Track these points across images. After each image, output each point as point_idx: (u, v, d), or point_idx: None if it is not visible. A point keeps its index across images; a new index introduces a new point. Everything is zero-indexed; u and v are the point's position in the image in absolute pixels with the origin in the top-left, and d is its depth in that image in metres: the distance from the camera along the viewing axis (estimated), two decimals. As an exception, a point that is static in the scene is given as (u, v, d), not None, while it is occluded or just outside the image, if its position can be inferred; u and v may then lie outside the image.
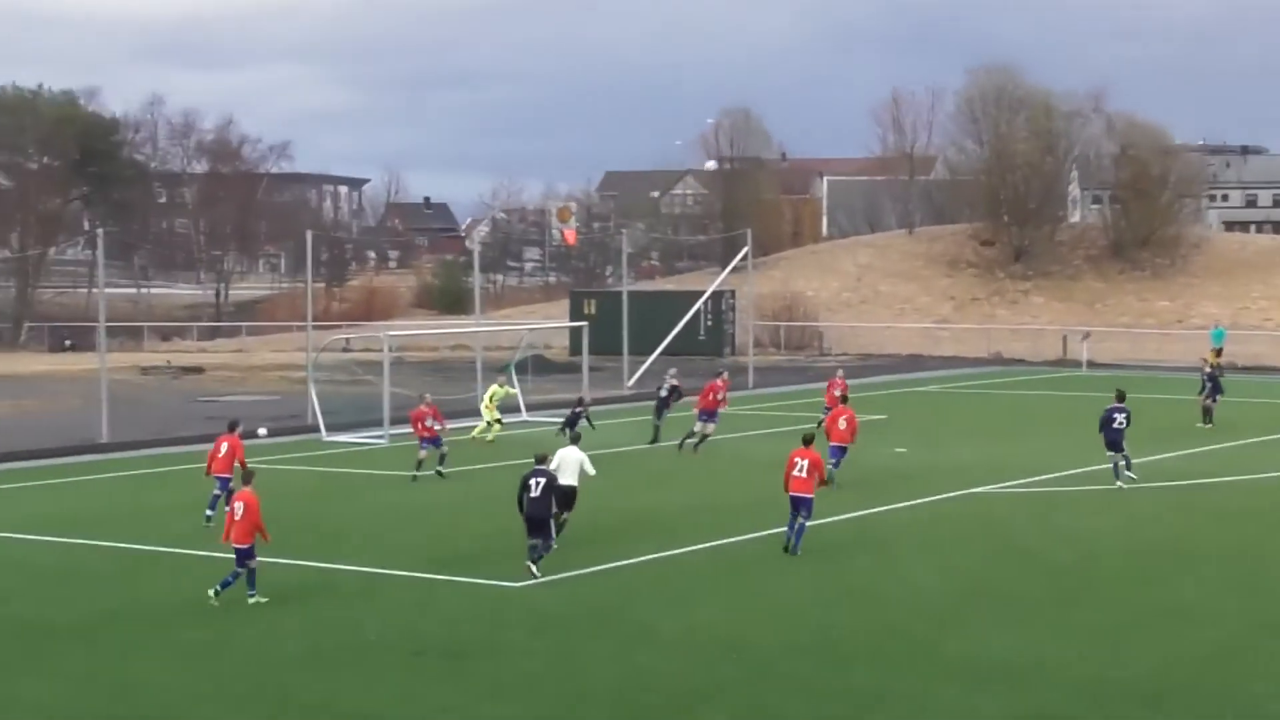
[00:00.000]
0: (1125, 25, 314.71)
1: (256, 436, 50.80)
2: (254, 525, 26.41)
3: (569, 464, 31.08)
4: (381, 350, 56.09)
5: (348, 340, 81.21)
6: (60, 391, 68.09)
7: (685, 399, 49.97)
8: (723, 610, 25.71)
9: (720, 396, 46.86)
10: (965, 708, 20.22)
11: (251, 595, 26.26)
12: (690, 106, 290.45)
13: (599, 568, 29.15)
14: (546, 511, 28.09)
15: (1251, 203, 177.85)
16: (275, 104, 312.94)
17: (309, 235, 62.22)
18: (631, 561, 29.65)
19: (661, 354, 73.24)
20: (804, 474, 29.82)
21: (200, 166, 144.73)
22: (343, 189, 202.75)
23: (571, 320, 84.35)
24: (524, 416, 55.84)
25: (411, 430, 42.36)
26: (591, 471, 31.66)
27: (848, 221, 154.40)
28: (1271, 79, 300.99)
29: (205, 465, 34.30)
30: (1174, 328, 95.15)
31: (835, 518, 34.06)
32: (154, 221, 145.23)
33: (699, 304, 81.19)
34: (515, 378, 58.13)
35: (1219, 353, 75.11)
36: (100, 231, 61.84)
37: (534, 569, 27.88)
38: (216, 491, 33.90)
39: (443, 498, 38.17)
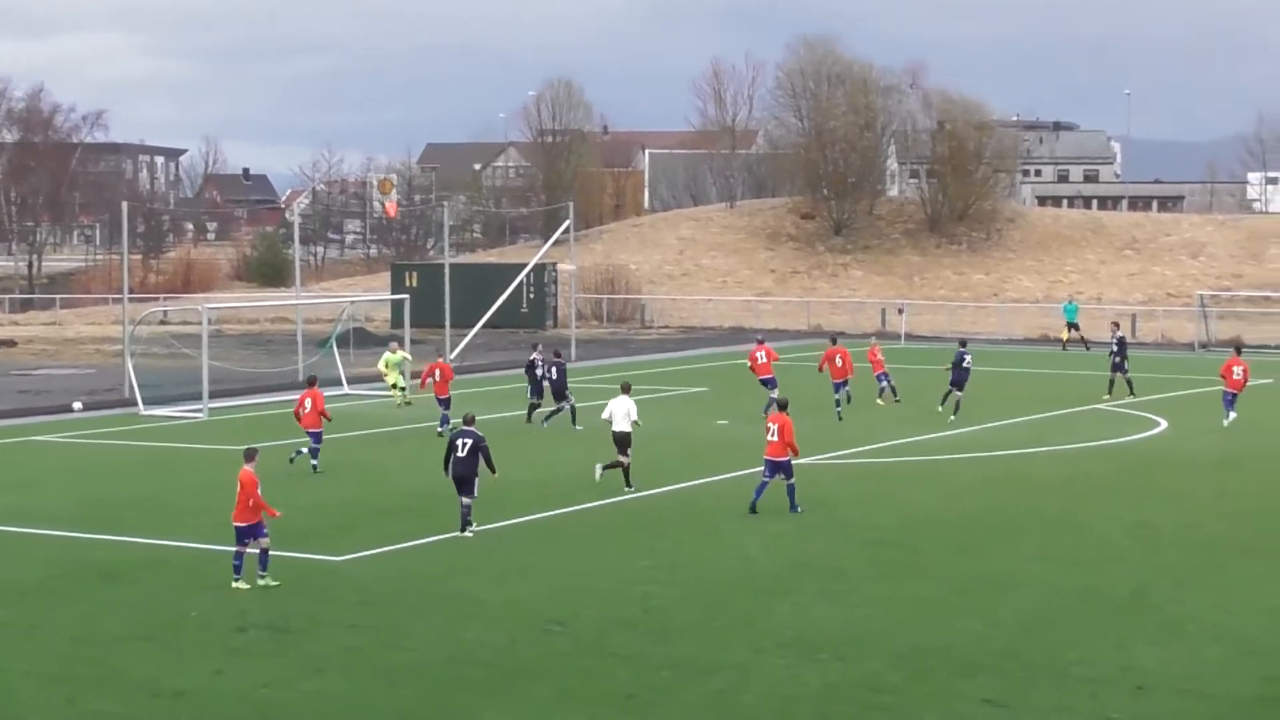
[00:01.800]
0: (943, 2, 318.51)
1: (72, 410, 50.12)
2: (248, 503, 25.48)
3: (619, 412, 34.02)
4: (200, 323, 55.40)
5: (165, 313, 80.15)
6: None
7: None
8: (547, 584, 25.72)
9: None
10: (790, 678, 20.42)
11: (262, 577, 25.31)
12: (512, 79, 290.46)
13: (423, 540, 29.06)
14: (473, 471, 29.11)
15: (1063, 178, 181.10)
16: (90, 72, 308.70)
17: (124, 206, 61.26)
18: (455, 535, 29.54)
19: (484, 327, 73.08)
20: (775, 438, 31.17)
21: (10, 135, 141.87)
22: (159, 159, 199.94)
23: (393, 293, 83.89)
24: (345, 390, 55.42)
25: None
26: (637, 419, 34.24)
27: (670, 195, 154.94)
28: (1082, 56, 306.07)
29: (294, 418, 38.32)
30: (990, 301, 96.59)
31: (659, 489, 34.23)
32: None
33: (521, 277, 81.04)
34: (336, 350, 57.75)
35: (1074, 327, 76.57)
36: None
37: (468, 531, 29.20)
38: (314, 446, 37.55)
39: (263, 472, 37.71)
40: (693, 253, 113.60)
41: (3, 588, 25.59)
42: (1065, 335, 76.91)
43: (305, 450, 37.97)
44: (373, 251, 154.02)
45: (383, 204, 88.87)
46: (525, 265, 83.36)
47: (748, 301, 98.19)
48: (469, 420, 30.34)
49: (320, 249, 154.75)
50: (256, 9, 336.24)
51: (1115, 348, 52.08)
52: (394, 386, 49.01)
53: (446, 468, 29.67)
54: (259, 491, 25.50)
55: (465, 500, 29.38)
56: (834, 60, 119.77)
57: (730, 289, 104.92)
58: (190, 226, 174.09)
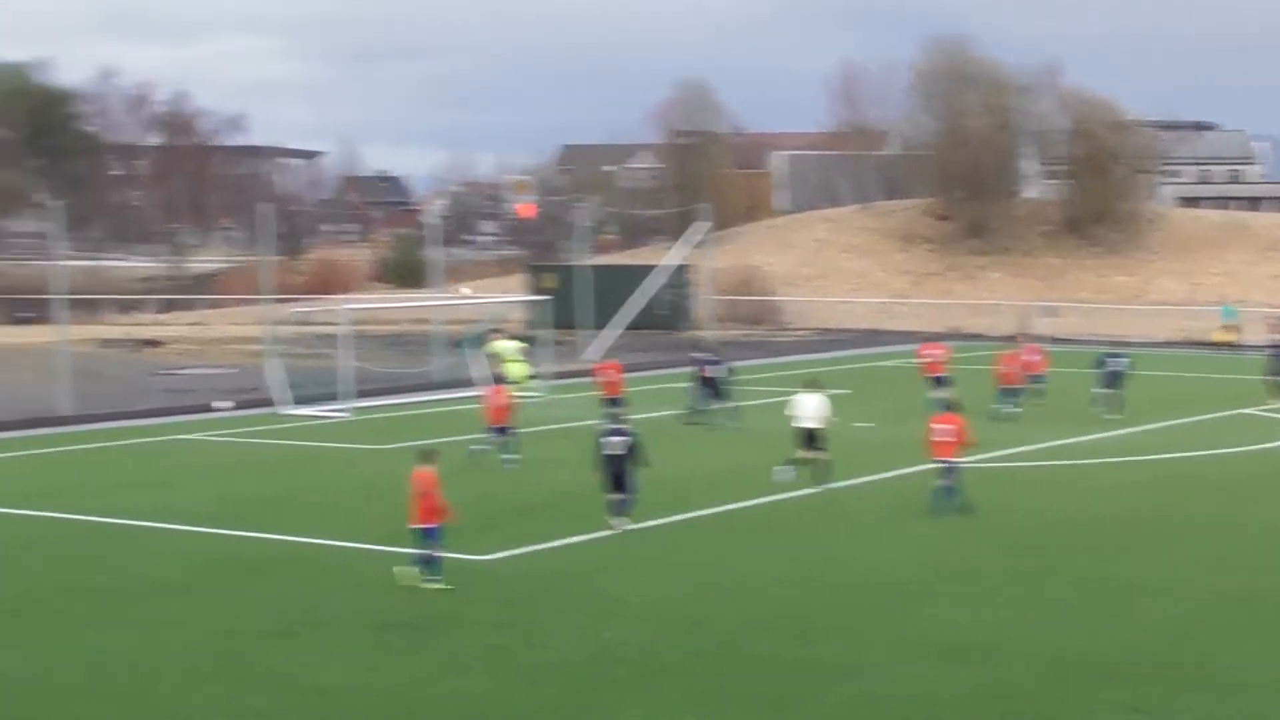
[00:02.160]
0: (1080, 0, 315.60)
1: (216, 410, 50.74)
2: (429, 505, 25.31)
3: (809, 408, 34.71)
4: (340, 323, 55.88)
5: (306, 313, 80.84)
6: (18, 364, 67.68)
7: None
8: (688, 584, 25.71)
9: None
10: (930, 682, 20.27)
11: (432, 580, 25.20)
12: (645, 80, 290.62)
13: (565, 541, 29.13)
14: (626, 468, 29.60)
15: (1205, 179, 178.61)
16: (229, 77, 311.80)
17: (264, 209, 61.92)
18: (597, 535, 29.62)
19: (620, 328, 73.27)
20: (946, 439, 31.44)
21: (154, 139, 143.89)
22: (298, 162, 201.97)
23: (528, 294, 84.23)
24: (476, 390, 55.61)
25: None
26: (830, 415, 34.85)
27: (803, 196, 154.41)
28: (1224, 55, 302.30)
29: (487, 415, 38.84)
30: (1132, 303, 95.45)
31: (800, 493, 34.13)
32: (108, 194, 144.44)
33: (659, 279, 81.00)
34: (470, 352, 58.08)
35: (1231, 329, 75.71)
36: (54, 204, 61.54)
37: (614, 523, 29.62)
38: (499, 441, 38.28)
39: (405, 471, 37.95)
40: (827, 254, 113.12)
41: (149, 584, 25.93)
42: (1226, 337, 76.04)
43: (488, 447, 38.65)
44: (508, 253, 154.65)
45: (518, 205, 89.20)
46: (661, 267, 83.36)
47: (883, 304, 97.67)
48: (620, 419, 31.01)
49: (456, 250, 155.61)
50: (391, 11, 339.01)
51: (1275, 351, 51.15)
52: (525, 379, 49.60)
53: (596, 465, 30.09)
54: (438, 492, 25.48)
55: (620, 496, 29.75)
56: (967, 60, 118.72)
57: (865, 291, 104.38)
58: (329, 228, 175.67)
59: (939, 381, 47.74)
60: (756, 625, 23.00)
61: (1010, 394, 46.48)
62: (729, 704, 19.44)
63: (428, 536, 25.20)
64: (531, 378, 50.35)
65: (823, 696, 19.70)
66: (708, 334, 74.39)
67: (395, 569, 25.45)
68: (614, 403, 43.51)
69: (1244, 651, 21.61)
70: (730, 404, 45.66)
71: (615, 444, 29.80)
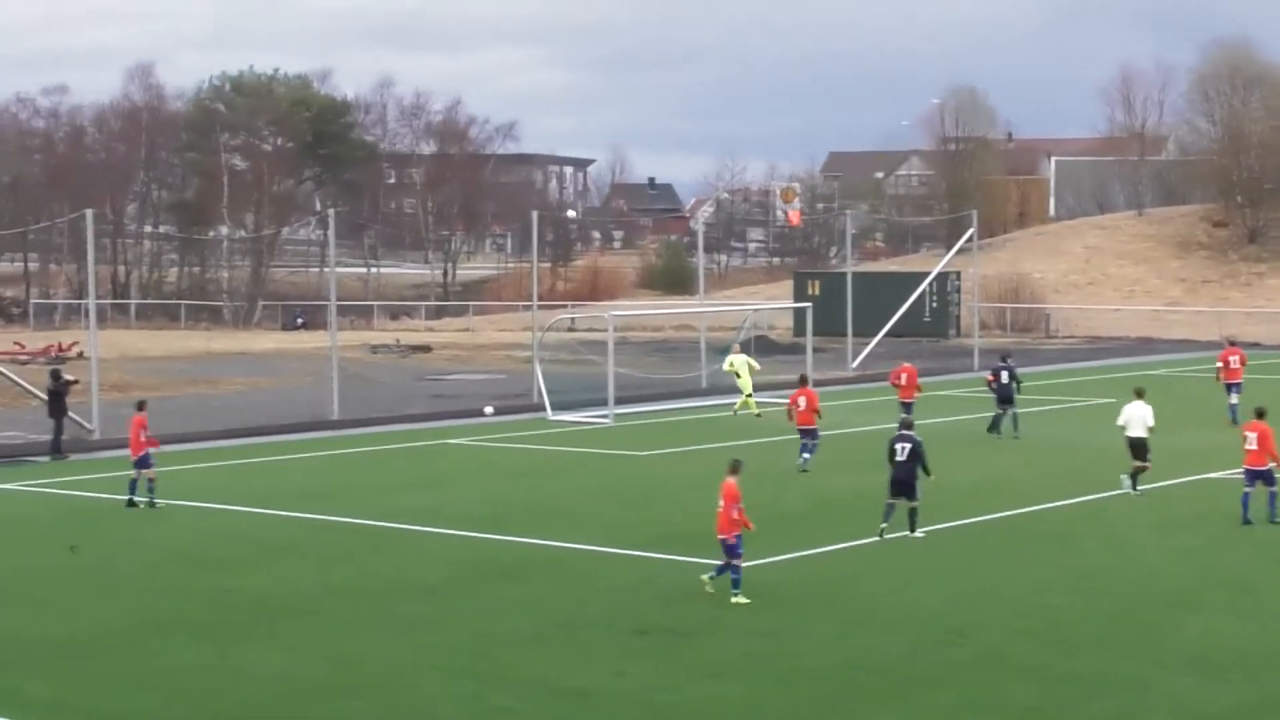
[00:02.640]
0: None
1: (483, 415, 51.43)
2: (731, 516, 24.57)
3: (1135, 417, 34.63)
4: (606, 330, 56.31)
5: (572, 320, 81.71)
6: (292, 369, 69.38)
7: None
8: (947, 593, 25.39)
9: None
10: (1196, 696, 19.74)
11: (734, 594, 24.49)
12: (915, 86, 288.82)
13: (825, 548, 28.98)
14: (911, 475, 29.55)
15: None
16: (500, 86, 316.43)
17: (535, 216, 62.66)
18: (857, 542, 29.42)
19: (886, 335, 72.82)
20: (1254, 446, 30.91)
21: (428, 148, 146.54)
22: (568, 169, 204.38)
23: (795, 301, 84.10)
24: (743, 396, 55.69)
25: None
26: (1153, 424, 34.66)
27: (1075, 202, 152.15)
28: None
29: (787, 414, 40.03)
30: None
31: (1065, 501, 33.61)
32: (383, 202, 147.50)
33: (924, 285, 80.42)
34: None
35: None
36: (331, 212, 62.94)
37: (918, 533, 29.59)
38: (804, 441, 38.89)
39: (665, 477, 38.21)
40: (1099, 261, 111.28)
41: (411, 584, 26.30)
42: None
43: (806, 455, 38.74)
44: (775, 260, 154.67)
45: (785, 212, 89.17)
46: (927, 274, 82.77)
47: (1156, 311, 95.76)
48: (906, 425, 30.70)
49: (723, 257, 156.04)
50: (657, 18, 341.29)
51: None
52: (746, 396, 50.13)
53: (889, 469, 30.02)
54: (739, 504, 24.65)
55: (908, 502, 29.63)
56: (1249, 63, 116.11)
57: (1138, 298, 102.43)
58: (597, 235, 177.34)
59: (1230, 389, 46.89)
60: (1016, 635, 22.61)
61: None
62: (987, 714, 19.11)
63: (726, 549, 24.60)
64: (749, 396, 50.89)
65: (1081, 709, 19.27)
66: (972, 341, 73.53)
67: (702, 577, 25.23)
68: (907, 407, 43.06)
69: None
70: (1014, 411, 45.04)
71: (900, 450, 29.71)
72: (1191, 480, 36.68)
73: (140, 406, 34.73)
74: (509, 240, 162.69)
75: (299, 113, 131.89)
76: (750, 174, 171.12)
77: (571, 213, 49.71)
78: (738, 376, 51.46)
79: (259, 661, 21.68)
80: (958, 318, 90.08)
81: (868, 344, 70.10)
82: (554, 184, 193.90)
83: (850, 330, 67.85)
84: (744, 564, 26.22)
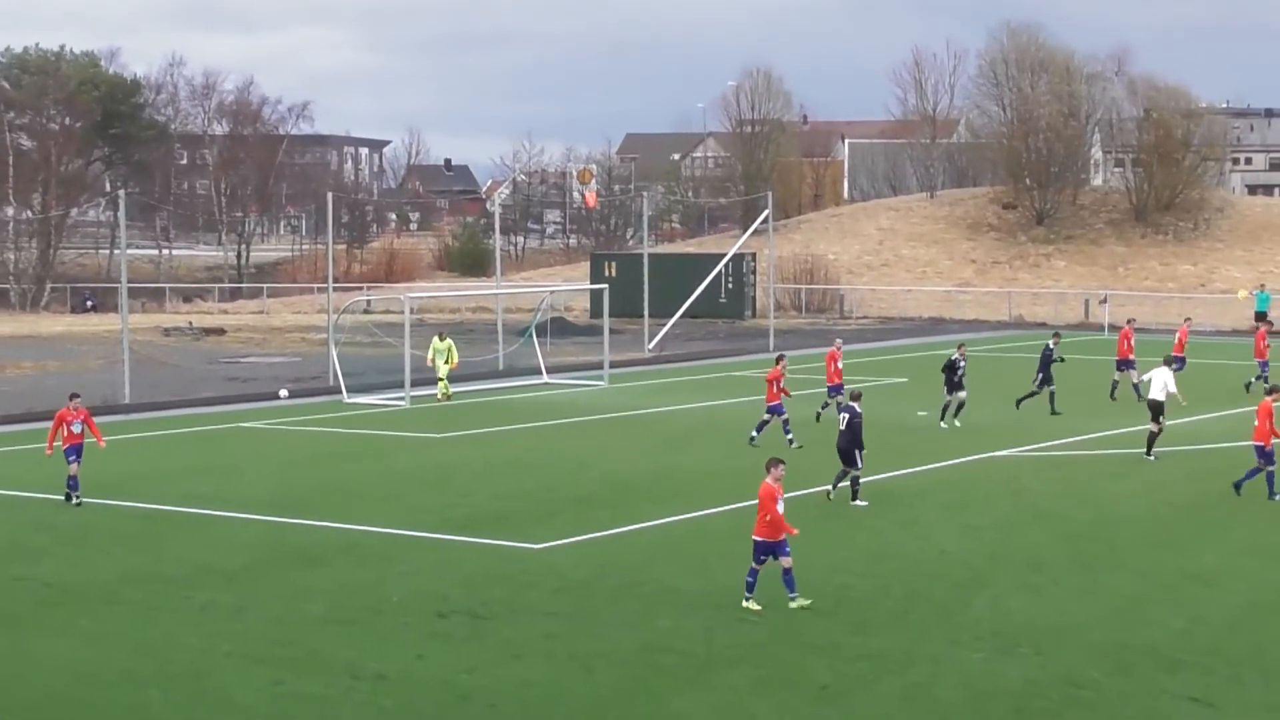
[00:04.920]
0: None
1: (278, 398, 50.99)
2: (765, 519, 23.28)
3: (1157, 382, 36.79)
4: (402, 312, 56.09)
5: (368, 302, 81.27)
6: (82, 352, 68.21)
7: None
8: (743, 573, 25.61)
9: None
10: (988, 671, 20.19)
11: (792, 599, 23.17)
12: (711, 69, 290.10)
13: (622, 529, 29.16)
14: (850, 444, 31.03)
15: (1275, 166, 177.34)
16: (295, 66, 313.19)
17: (330, 197, 62.21)
18: (654, 523, 29.65)
19: (682, 317, 73.32)
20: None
21: (221, 128, 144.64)
22: (363, 151, 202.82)
23: (592, 283, 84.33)
24: (545, 379, 55.88)
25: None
26: (1173, 390, 36.97)
27: (869, 184, 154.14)
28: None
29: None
30: (1197, 292, 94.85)
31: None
32: (175, 183, 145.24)
33: (719, 267, 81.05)
34: (536, 340, 58.25)
35: (1262, 317, 74.85)
36: (122, 193, 61.95)
37: (859, 501, 31.10)
38: (765, 417, 39.18)
39: (464, 460, 38.19)
40: (892, 243, 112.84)
41: (208, 570, 26.06)
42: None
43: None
44: (572, 241, 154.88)
45: (582, 194, 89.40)
46: (723, 255, 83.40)
47: (948, 292, 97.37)
48: (855, 396, 32.51)
49: (520, 239, 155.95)
50: (457, 3, 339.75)
51: None
52: (440, 380, 49.90)
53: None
54: (778, 507, 23.30)
55: (850, 471, 31.08)
56: (1037, 47, 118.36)
57: (930, 279, 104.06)
58: (393, 217, 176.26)
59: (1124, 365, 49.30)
60: (811, 614, 22.93)
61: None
62: (783, 693, 19.40)
63: (768, 551, 23.29)
64: (441, 380, 50.65)
65: (875, 687, 19.64)
66: (768, 322, 74.21)
67: (794, 604, 23.33)
68: (835, 390, 42.90)
69: (1302, 642, 21.49)
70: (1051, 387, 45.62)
71: (840, 421, 31.46)
72: (981, 459, 37.39)
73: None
74: (304, 222, 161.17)
75: (87, 92, 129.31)
76: (547, 156, 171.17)
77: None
78: (447, 363, 50.82)
79: (55, 650, 21.40)
80: (754, 299, 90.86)
81: (664, 325, 70.52)
82: (349, 165, 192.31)
83: (647, 312, 68.20)
84: (541, 545, 26.38)
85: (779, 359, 41.44)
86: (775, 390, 39.25)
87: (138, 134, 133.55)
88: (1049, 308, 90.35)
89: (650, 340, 68.46)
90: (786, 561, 23.20)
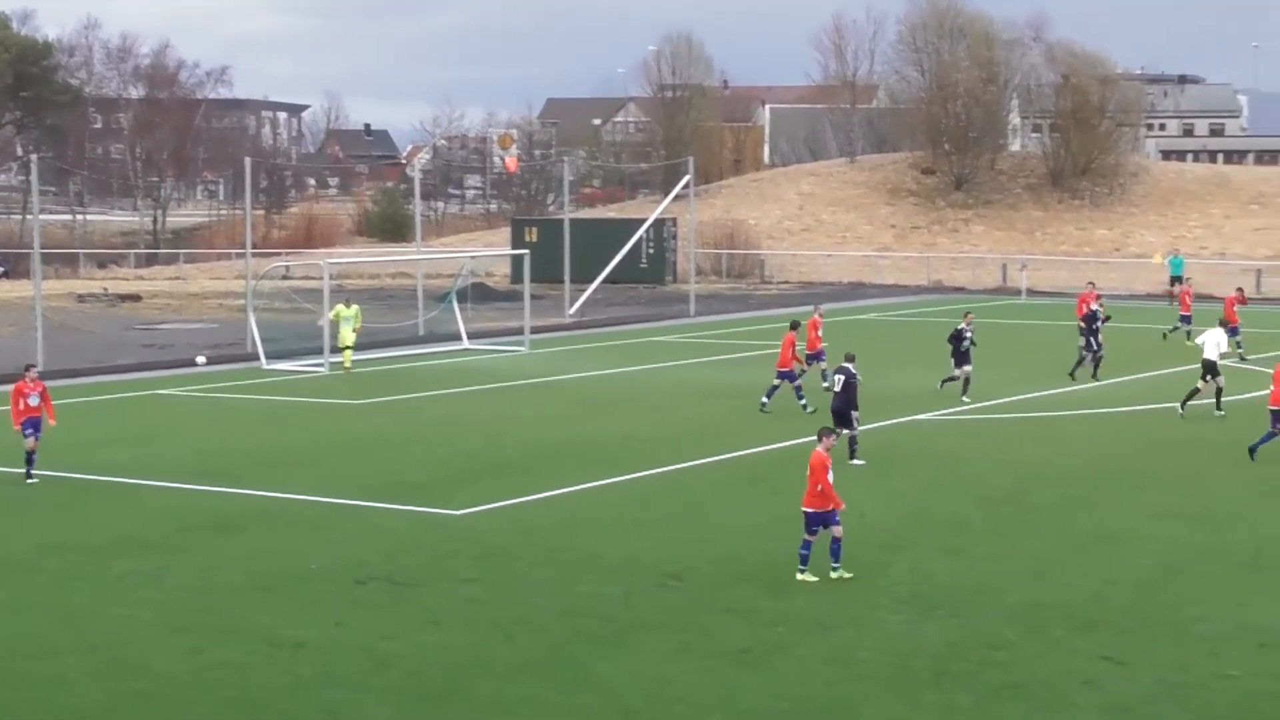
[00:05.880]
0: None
1: (195, 365, 50.70)
2: (817, 488, 22.99)
3: (1211, 341, 38.10)
4: (321, 278, 55.82)
5: (287, 268, 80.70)
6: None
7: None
8: (662, 538, 25.76)
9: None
10: (907, 634, 20.35)
11: (835, 569, 22.88)
12: (632, 34, 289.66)
13: (542, 495, 29.17)
14: (846, 405, 31.70)
15: (1188, 132, 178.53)
16: (213, 29, 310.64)
17: (248, 162, 61.80)
18: (574, 489, 29.69)
19: (603, 282, 73.32)
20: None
21: (137, 92, 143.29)
22: (282, 115, 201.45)
23: (513, 248, 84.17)
24: (465, 344, 55.79)
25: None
26: (1225, 350, 38.79)
27: (790, 150, 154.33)
28: (1208, 9, 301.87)
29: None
30: (1112, 256, 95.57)
31: (777, 445, 34.20)
32: (89, 147, 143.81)
33: (640, 232, 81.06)
34: (456, 305, 58.13)
35: (1178, 280, 75.56)
36: (34, 157, 61.37)
37: (856, 460, 31.53)
38: (775, 382, 39.23)
39: (384, 426, 38.11)
40: (812, 208, 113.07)
41: (127, 539, 25.94)
42: (1174, 290, 75.85)
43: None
44: (493, 207, 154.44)
45: (503, 159, 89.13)
46: (644, 220, 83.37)
47: (867, 257, 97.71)
48: (849, 358, 32.69)
49: (440, 204, 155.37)
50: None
51: None
52: (343, 348, 48.84)
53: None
54: (829, 477, 23.00)
55: (846, 432, 31.20)
56: (956, 13, 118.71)
57: (850, 244, 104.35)
58: (312, 182, 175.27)
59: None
60: (730, 578, 23.05)
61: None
62: (703, 657, 19.49)
63: (819, 521, 23.04)
64: (347, 349, 49.05)
65: (794, 650, 19.76)
66: (689, 287, 74.26)
67: (832, 575, 23.09)
68: (817, 357, 42.75)
69: (1209, 602, 21.75)
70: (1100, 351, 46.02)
71: (836, 382, 32.21)
72: (903, 423, 37.60)
73: None
74: (221, 187, 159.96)
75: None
76: (468, 121, 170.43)
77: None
78: (353, 330, 49.44)
79: (-30, 621, 21.26)
80: (674, 264, 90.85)
81: (585, 290, 70.50)
82: (268, 130, 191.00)
83: (568, 277, 68.15)
84: (461, 511, 26.39)
85: (793, 324, 41.16)
86: (793, 354, 39.67)
87: (50, 97, 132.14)
88: (967, 272, 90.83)
89: (571, 306, 68.42)
90: (838, 531, 22.96)
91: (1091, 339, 45.61)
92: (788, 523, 26.76)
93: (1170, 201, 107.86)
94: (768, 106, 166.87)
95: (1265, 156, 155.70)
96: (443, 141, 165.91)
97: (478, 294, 69.44)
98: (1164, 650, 19.68)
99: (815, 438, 23.54)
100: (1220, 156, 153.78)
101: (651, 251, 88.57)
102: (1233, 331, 47.13)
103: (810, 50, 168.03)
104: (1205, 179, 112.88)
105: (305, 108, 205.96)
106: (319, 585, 22.87)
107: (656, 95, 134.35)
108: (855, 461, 31.55)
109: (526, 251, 64.13)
